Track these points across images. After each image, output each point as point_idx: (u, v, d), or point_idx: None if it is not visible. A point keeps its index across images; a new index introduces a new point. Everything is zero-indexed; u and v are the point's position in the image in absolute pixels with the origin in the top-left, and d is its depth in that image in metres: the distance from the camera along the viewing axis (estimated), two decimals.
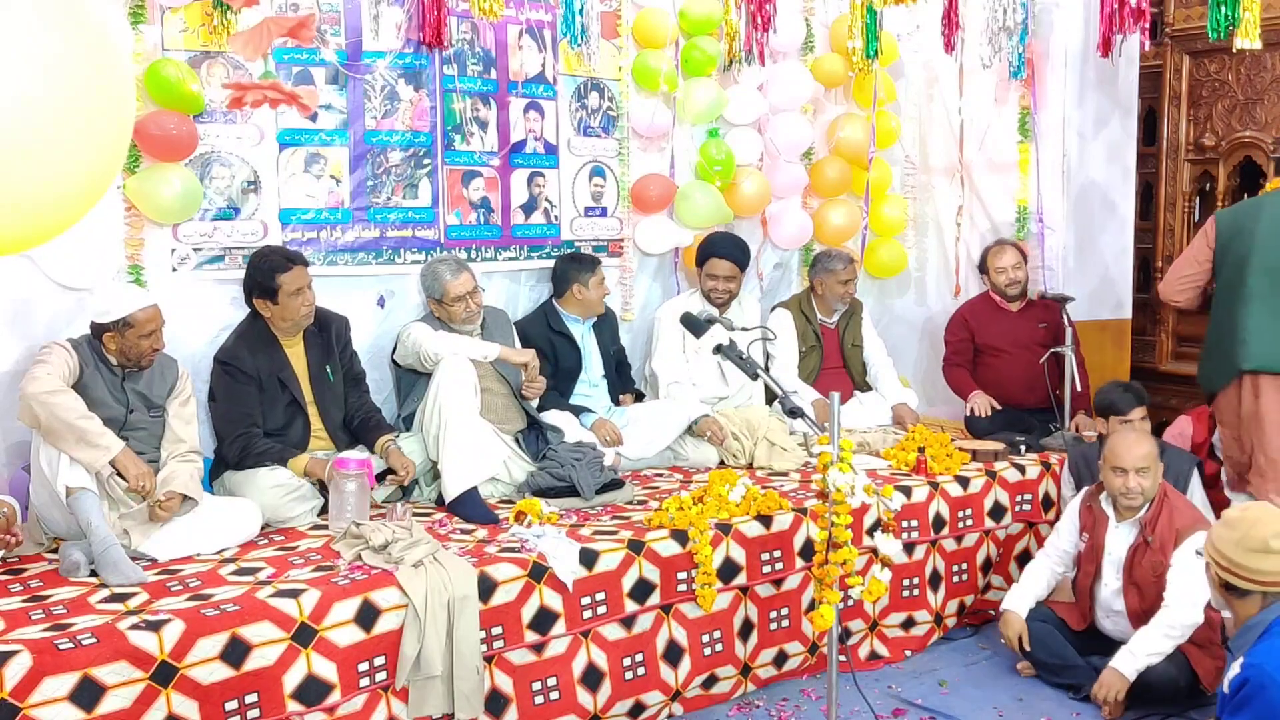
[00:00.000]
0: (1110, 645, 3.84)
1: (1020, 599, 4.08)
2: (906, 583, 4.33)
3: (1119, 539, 3.92)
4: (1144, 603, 3.84)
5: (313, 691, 3.08)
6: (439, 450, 4.02)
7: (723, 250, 5.06)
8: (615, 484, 4.20)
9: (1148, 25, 4.84)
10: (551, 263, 4.94)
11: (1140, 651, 3.68)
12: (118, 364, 3.61)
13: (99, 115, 2.51)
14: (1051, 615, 4.06)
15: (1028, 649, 3.99)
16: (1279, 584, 2.75)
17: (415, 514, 3.87)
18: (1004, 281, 5.32)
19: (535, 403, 4.51)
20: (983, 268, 5.44)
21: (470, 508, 3.95)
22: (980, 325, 5.40)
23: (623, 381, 5.07)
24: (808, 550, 3.97)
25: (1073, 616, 4.07)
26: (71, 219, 2.65)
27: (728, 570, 3.85)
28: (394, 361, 4.43)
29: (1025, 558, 4.64)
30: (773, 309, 5.53)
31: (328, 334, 4.15)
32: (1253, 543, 2.77)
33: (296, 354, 4.08)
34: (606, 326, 5.00)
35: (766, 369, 4.65)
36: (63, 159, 2.45)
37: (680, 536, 3.76)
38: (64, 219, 2.63)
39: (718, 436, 4.70)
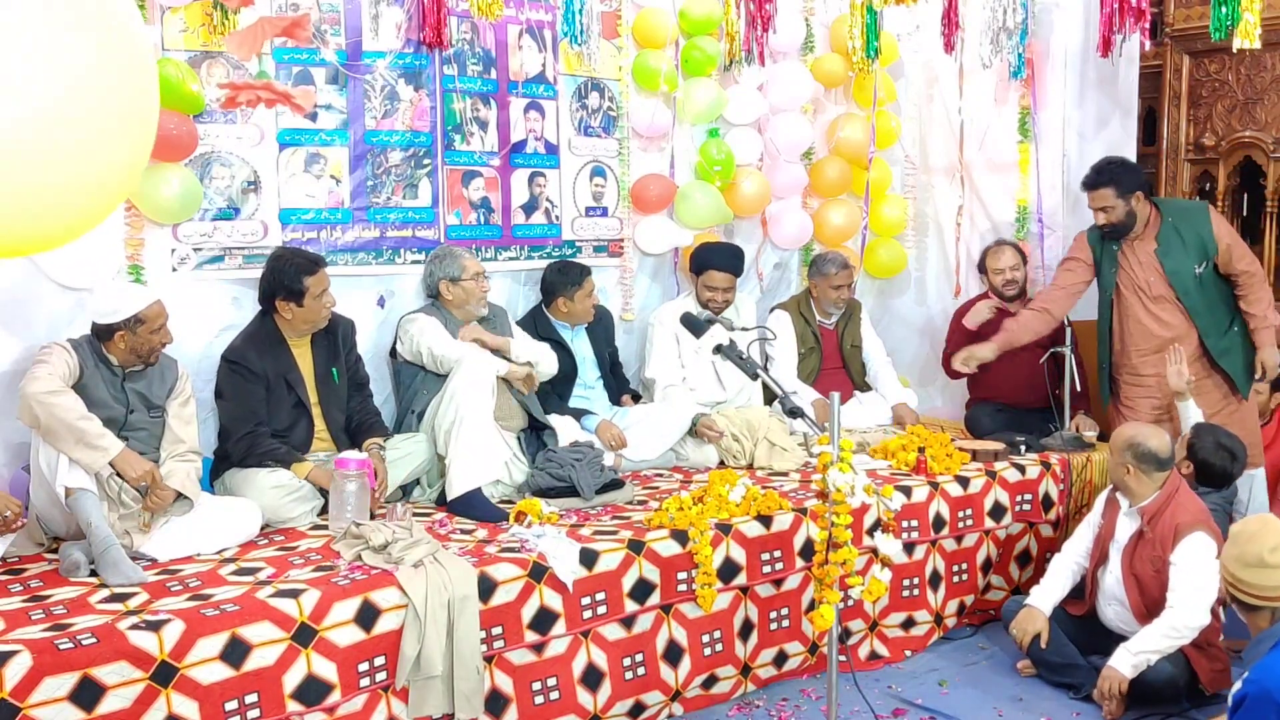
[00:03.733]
0: (1111, 642, 3.84)
1: (1046, 597, 4.04)
2: (906, 583, 4.33)
3: (1125, 526, 3.95)
4: (1145, 598, 3.84)
5: (313, 691, 3.08)
6: (449, 446, 4.00)
7: (719, 262, 5.07)
8: (615, 484, 4.19)
9: (1148, 25, 4.84)
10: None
11: (1139, 649, 3.69)
12: (120, 363, 3.60)
13: (125, 118, 2.52)
14: (1057, 610, 4.06)
15: (1043, 647, 3.96)
16: None
17: (415, 514, 3.87)
18: (1000, 282, 5.31)
19: (536, 398, 4.51)
20: (981, 268, 5.45)
21: (474, 506, 3.95)
22: (983, 324, 5.38)
23: (619, 383, 5.07)
24: (808, 550, 3.97)
25: (1075, 602, 4.08)
26: (95, 220, 2.68)
27: (728, 570, 3.85)
28: (392, 355, 4.43)
29: (1025, 558, 4.65)
30: (771, 310, 5.52)
31: (334, 336, 4.15)
32: (1249, 558, 2.77)
33: (304, 355, 4.08)
34: (601, 329, 4.98)
35: (765, 369, 4.65)
36: (90, 161, 2.47)
37: (680, 536, 3.76)
38: (88, 220, 2.66)
39: (714, 433, 4.69)
